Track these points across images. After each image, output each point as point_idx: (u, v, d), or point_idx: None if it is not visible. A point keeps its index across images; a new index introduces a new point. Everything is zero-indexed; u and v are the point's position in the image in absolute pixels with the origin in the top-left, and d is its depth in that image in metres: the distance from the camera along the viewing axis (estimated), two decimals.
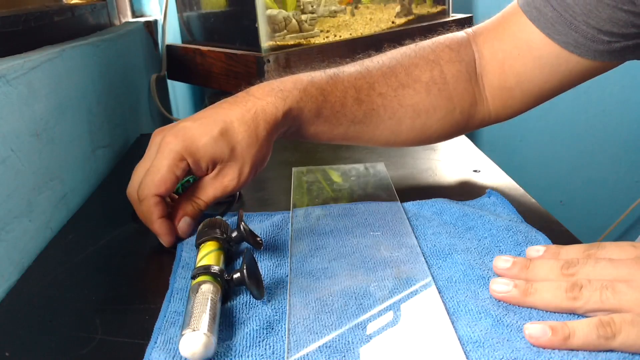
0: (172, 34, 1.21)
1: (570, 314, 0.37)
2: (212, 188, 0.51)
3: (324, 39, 1.12)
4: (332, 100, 0.54)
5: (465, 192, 0.60)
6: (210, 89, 1.18)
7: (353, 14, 1.20)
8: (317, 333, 0.37)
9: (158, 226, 0.49)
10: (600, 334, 0.34)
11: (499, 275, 0.42)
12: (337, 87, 0.55)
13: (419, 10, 1.32)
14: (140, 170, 0.50)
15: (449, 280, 0.43)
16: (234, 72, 1.05)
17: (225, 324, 0.39)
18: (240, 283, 0.40)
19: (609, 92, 1.61)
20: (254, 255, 0.46)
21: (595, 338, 0.34)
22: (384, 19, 1.24)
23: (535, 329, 0.35)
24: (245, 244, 0.48)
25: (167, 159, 0.48)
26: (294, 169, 0.67)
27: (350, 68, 0.58)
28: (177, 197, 0.55)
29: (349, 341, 0.36)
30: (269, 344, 0.36)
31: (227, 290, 0.42)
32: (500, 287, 0.40)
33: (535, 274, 0.40)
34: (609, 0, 0.50)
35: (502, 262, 0.42)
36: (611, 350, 0.34)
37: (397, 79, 0.57)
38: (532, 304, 0.38)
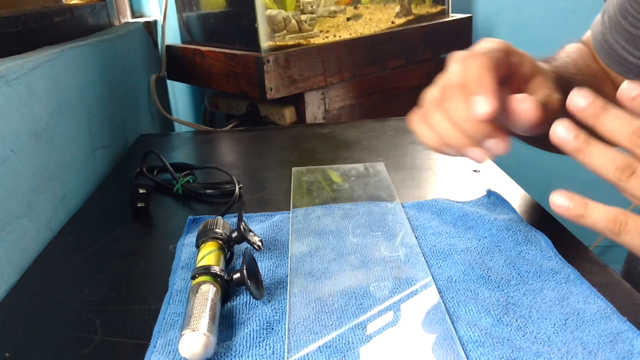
0: (171, 35, 1.21)
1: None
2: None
3: (323, 39, 1.12)
4: (566, 90, 0.54)
5: (465, 192, 0.60)
6: (210, 89, 1.18)
7: (358, 17, 1.20)
8: (317, 333, 0.37)
9: (487, 92, 0.38)
10: (610, 227, 0.34)
11: (495, 277, 0.42)
12: (572, 80, 0.53)
13: (418, 10, 1.32)
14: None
15: (449, 280, 0.43)
16: (233, 72, 1.05)
17: (225, 324, 0.39)
18: (240, 283, 0.40)
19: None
20: (254, 255, 0.46)
21: (604, 227, 0.35)
22: (384, 19, 1.24)
23: (560, 197, 0.35)
24: (245, 244, 0.48)
25: (502, 47, 0.43)
26: (294, 169, 0.67)
27: (555, 63, 0.58)
28: None
29: (349, 341, 0.36)
30: (269, 344, 0.36)
31: (227, 291, 0.42)
32: (562, 132, 0.36)
33: (604, 125, 0.36)
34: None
35: (581, 98, 0.36)
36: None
37: (581, 75, 0.57)
38: (582, 161, 0.36)
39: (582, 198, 0.36)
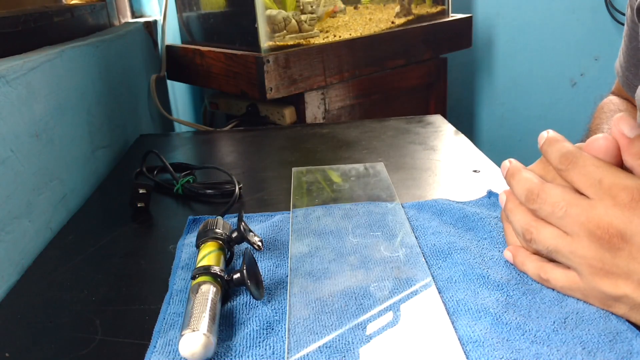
0: (171, 35, 1.22)
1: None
2: None
3: (323, 39, 1.12)
4: None
5: (465, 192, 0.60)
6: (210, 89, 1.19)
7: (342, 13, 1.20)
8: (317, 333, 0.37)
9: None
10: (540, 279, 0.41)
11: (495, 276, 0.42)
12: None
13: (418, 10, 1.32)
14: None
15: (449, 280, 0.43)
16: (233, 72, 1.05)
17: (225, 324, 0.39)
18: (240, 283, 0.40)
19: (609, 92, 1.62)
20: (254, 256, 0.46)
21: (537, 279, 0.41)
22: (384, 19, 1.24)
23: (507, 253, 0.44)
24: (245, 244, 0.48)
25: None
26: (293, 169, 0.67)
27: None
28: None
29: (349, 341, 0.36)
30: (269, 345, 0.36)
31: (227, 291, 0.42)
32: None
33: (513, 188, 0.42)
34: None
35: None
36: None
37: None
38: (509, 184, 0.42)
39: (522, 253, 0.42)
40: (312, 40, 1.09)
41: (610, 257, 0.35)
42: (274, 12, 1.06)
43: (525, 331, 0.36)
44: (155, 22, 1.12)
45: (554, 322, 0.37)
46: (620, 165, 0.38)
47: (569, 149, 0.38)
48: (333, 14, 1.16)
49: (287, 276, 0.44)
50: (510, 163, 0.43)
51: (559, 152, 0.38)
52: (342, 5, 1.19)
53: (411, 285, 0.42)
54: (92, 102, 0.74)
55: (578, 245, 0.36)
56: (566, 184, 0.39)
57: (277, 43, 1.05)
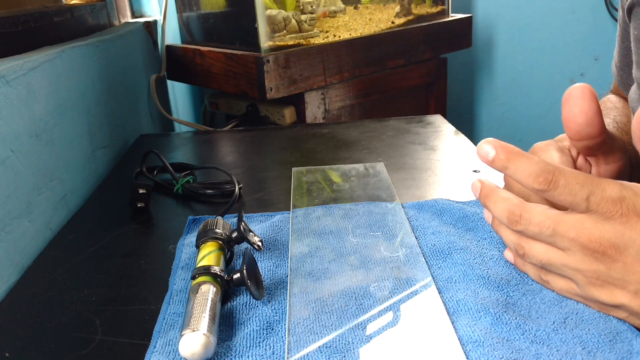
0: (171, 35, 1.22)
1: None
2: None
3: (323, 39, 1.12)
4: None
5: (465, 192, 0.60)
6: (210, 89, 1.19)
7: (346, 12, 1.20)
8: (317, 333, 0.37)
9: None
10: (540, 280, 0.41)
11: (495, 277, 0.42)
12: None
13: (418, 10, 1.32)
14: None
15: (448, 281, 0.43)
16: (233, 72, 1.05)
17: (225, 324, 0.39)
18: (240, 283, 0.40)
19: (608, 91, 1.62)
20: (254, 256, 0.46)
21: (537, 280, 0.41)
22: (384, 19, 1.24)
23: (508, 254, 0.44)
24: (245, 244, 0.48)
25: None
26: (294, 169, 0.67)
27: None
28: None
29: (349, 341, 0.36)
30: (269, 345, 0.36)
31: (227, 291, 0.42)
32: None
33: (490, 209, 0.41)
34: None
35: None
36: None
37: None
38: (486, 207, 0.41)
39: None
40: (312, 40, 1.09)
41: (605, 269, 0.35)
42: (274, 12, 1.06)
43: (525, 331, 0.36)
44: (155, 22, 1.12)
45: (554, 322, 0.37)
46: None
47: (544, 168, 0.36)
48: (332, 14, 1.16)
49: (287, 276, 0.44)
50: (481, 183, 0.41)
51: (534, 172, 0.36)
52: (342, 6, 1.19)
53: (411, 285, 0.42)
54: (92, 102, 0.74)
55: (571, 258, 0.36)
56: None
57: (277, 43, 1.05)
